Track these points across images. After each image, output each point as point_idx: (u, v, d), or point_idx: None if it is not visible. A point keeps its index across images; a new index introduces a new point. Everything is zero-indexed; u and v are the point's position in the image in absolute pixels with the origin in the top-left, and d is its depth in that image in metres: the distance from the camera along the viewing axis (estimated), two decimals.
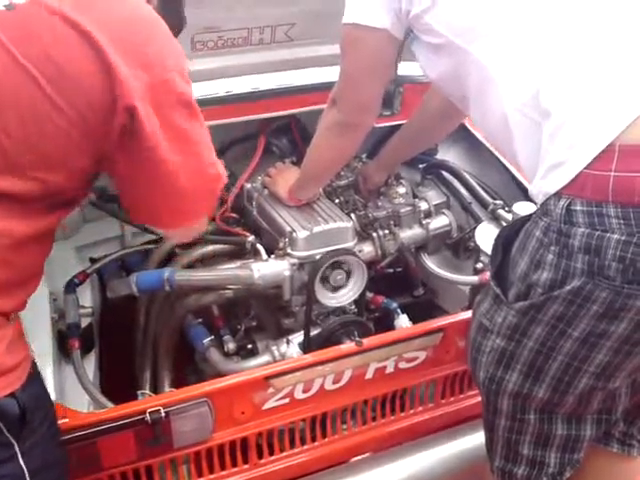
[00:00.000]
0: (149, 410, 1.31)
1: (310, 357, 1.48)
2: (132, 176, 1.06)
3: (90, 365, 1.66)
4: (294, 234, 1.69)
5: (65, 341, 1.61)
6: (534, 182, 1.20)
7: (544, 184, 1.16)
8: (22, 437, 1.02)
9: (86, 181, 1.06)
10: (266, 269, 1.66)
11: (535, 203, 1.23)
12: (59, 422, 1.22)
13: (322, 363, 1.45)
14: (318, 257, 1.66)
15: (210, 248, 1.84)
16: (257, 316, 1.82)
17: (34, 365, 1.09)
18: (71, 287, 1.73)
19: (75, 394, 1.53)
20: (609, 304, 1.10)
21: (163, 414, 1.31)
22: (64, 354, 1.61)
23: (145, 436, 1.33)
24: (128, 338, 1.92)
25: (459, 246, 2.00)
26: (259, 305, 1.81)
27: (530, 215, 1.22)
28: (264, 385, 1.42)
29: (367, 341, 1.50)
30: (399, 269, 2.02)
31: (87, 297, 1.82)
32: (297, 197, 1.78)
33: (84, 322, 1.69)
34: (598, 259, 1.08)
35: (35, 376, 1.07)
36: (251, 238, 1.75)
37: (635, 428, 1.44)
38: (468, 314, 1.44)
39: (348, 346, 1.50)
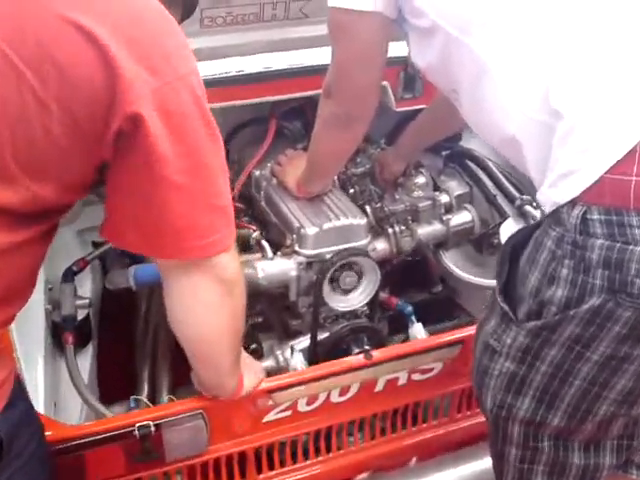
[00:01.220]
0: (138, 424, 1.22)
1: (314, 371, 1.39)
2: (129, 187, 0.93)
3: (87, 357, 1.61)
4: (302, 230, 1.58)
5: (60, 334, 1.54)
6: (542, 190, 1.09)
7: (554, 193, 1.05)
8: (1, 467, 0.94)
9: (78, 194, 0.96)
10: (271, 268, 1.56)
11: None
12: None
13: (328, 377, 1.36)
14: (328, 256, 1.55)
15: None
16: (263, 312, 1.72)
17: (18, 380, 1.01)
18: (69, 276, 1.68)
19: (69, 392, 1.46)
20: (633, 324, 1.00)
21: (153, 428, 1.23)
22: (59, 348, 1.54)
23: (134, 450, 1.25)
24: (128, 328, 1.84)
25: (482, 242, 1.87)
26: (265, 302, 1.71)
27: (540, 222, 1.12)
28: (264, 398, 1.33)
29: (378, 353, 1.39)
30: (417, 258, 1.90)
31: (87, 285, 1.75)
32: (306, 189, 1.67)
33: (81, 314, 1.62)
34: (620, 274, 0.98)
35: (18, 394, 0.99)
36: (256, 234, 1.65)
37: None
38: None
39: (356, 359, 1.40)
